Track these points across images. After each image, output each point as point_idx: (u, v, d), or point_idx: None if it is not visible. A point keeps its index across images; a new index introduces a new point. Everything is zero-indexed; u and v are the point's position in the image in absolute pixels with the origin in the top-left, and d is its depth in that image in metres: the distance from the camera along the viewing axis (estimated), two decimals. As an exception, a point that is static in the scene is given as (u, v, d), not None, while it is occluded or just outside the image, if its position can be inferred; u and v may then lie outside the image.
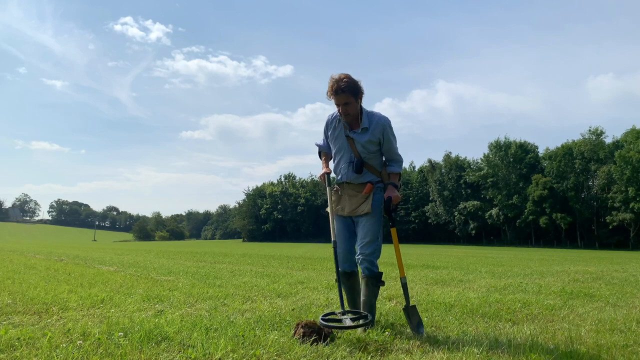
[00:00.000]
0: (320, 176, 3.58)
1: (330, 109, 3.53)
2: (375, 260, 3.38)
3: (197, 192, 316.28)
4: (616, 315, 4.24)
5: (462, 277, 8.04)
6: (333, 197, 3.53)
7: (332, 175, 3.64)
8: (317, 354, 2.65)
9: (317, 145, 3.76)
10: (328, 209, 3.50)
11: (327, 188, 3.50)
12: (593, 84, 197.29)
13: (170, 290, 5.51)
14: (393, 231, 3.53)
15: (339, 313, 3.21)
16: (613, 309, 4.61)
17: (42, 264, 10.27)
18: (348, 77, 3.25)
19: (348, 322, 3.06)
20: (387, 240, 3.84)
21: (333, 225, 3.43)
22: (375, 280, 3.36)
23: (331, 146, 3.61)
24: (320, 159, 3.74)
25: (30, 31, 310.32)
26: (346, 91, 3.23)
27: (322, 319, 3.08)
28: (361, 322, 3.09)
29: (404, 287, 3.47)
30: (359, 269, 3.46)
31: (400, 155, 3.54)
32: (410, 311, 3.34)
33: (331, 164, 3.67)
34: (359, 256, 3.38)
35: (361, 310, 3.34)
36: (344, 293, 3.43)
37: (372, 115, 3.42)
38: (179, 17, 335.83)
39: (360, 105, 3.40)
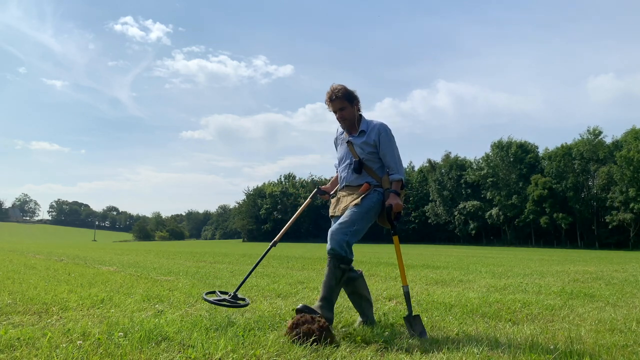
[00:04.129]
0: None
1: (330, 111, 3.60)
2: (345, 242, 3.24)
3: (197, 192, 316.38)
4: (616, 315, 4.24)
5: (462, 277, 8.04)
6: (332, 202, 3.71)
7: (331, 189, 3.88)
8: (317, 354, 2.64)
9: (335, 166, 3.94)
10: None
11: (310, 196, 3.78)
12: (593, 83, 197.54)
13: (170, 290, 5.51)
14: (395, 239, 3.48)
15: (229, 295, 3.48)
16: (613, 309, 4.61)
17: (42, 264, 10.27)
18: (343, 86, 3.53)
19: (225, 299, 3.39)
20: (388, 242, 3.84)
21: (290, 224, 3.78)
22: (338, 261, 3.23)
23: (337, 157, 3.80)
24: None
25: (30, 31, 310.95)
26: (340, 97, 3.48)
27: (205, 295, 3.49)
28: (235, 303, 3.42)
29: (406, 296, 3.37)
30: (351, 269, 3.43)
31: (398, 164, 3.45)
32: (413, 321, 3.24)
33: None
34: (330, 235, 3.30)
35: (245, 299, 3.56)
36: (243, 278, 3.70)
37: (370, 121, 3.59)
38: (179, 17, 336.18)
39: (360, 114, 3.60)
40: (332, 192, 3.82)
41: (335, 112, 3.56)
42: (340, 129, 3.72)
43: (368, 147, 3.49)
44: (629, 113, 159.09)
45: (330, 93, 3.52)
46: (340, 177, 3.67)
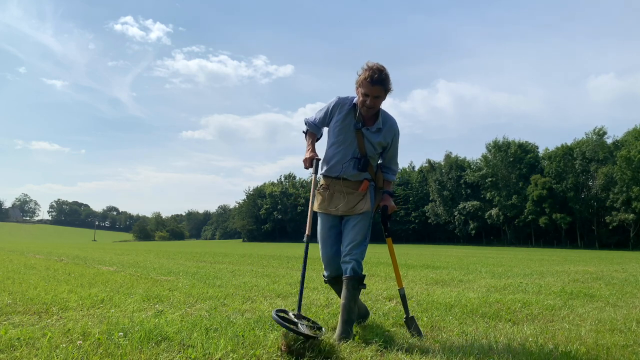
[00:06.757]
0: (307, 160, 3.24)
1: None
2: (362, 261, 3.21)
3: (197, 192, 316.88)
4: (616, 315, 4.24)
5: (462, 277, 8.03)
6: (324, 195, 3.31)
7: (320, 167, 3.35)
8: (316, 353, 2.63)
9: (307, 122, 3.38)
10: (316, 208, 3.31)
11: (314, 175, 3.22)
12: (594, 83, 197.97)
13: (170, 290, 5.51)
14: (389, 241, 3.44)
15: (294, 315, 2.88)
16: (613, 309, 4.61)
17: (42, 264, 10.26)
18: (386, 69, 3.01)
19: (303, 328, 2.69)
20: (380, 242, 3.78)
21: (311, 217, 3.13)
22: (358, 282, 3.15)
23: (331, 133, 3.28)
24: (306, 138, 3.39)
25: (30, 31, 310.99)
26: (384, 84, 3.00)
27: (276, 314, 2.71)
28: (317, 332, 2.73)
29: (403, 298, 3.36)
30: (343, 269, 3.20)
31: (397, 165, 3.47)
32: (409, 322, 3.29)
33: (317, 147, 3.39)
34: (347, 256, 3.16)
35: (316, 322, 3.05)
36: (303, 296, 3.16)
37: (386, 116, 3.26)
38: (179, 17, 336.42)
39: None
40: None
41: (367, 95, 3.00)
42: (347, 102, 3.20)
43: (381, 148, 3.29)
44: (629, 113, 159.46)
45: (378, 73, 2.93)
46: (337, 163, 3.24)
